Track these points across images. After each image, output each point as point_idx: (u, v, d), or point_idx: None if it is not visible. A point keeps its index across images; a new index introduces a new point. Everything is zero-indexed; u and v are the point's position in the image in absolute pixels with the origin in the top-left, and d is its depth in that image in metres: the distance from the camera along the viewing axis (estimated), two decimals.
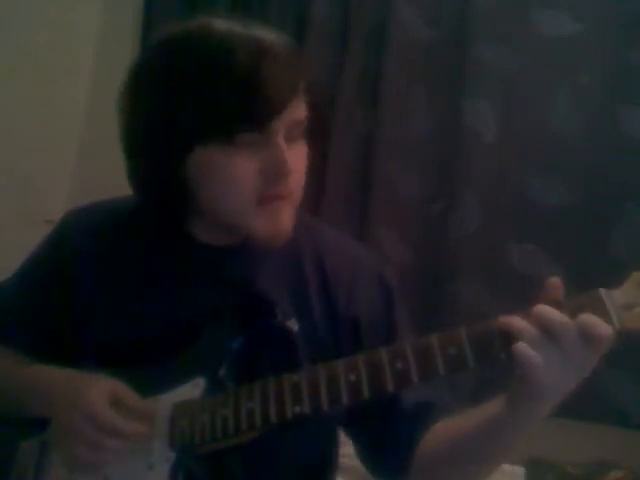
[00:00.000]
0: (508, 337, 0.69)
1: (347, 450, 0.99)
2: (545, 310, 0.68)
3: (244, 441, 0.82)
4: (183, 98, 0.81)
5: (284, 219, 0.86)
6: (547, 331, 0.68)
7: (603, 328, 0.67)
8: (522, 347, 0.67)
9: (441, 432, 0.84)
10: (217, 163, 0.83)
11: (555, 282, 0.71)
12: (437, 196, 1.81)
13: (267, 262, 0.93)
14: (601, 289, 0.70)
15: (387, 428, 0.88)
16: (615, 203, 1.65)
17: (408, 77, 1.83)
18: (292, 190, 0.86)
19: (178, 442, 0.83)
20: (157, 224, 0.96)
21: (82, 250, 0.96)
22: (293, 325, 0.88)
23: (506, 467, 1.62)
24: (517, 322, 0.69)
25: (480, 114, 1.75)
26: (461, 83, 1.77)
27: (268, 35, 0.83)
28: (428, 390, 0.89)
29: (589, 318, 0.67)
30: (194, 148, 0.82)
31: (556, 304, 0.69)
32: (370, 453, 0.93)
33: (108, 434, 0.81)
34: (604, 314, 0.69)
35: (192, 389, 0.85)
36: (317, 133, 0.91)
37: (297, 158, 0.86)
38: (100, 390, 0.83)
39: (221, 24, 0.82)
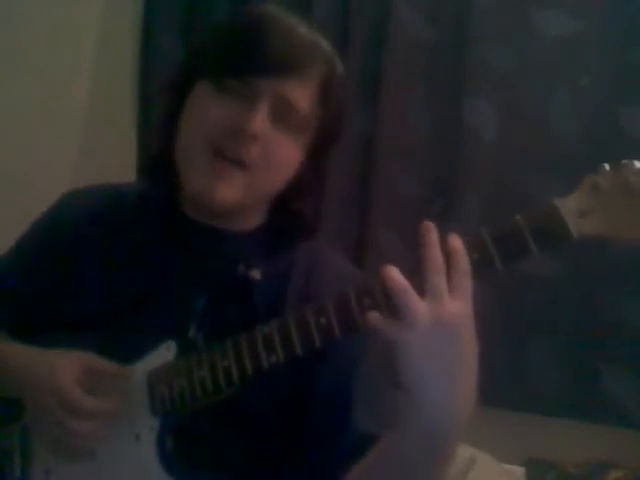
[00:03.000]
0: None
1: None
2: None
3: (225, 396, 0.81)
4: (203, 41, 0.94)
5: (226, 184, 0.85)
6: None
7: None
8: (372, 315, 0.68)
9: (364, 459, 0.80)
10: (200, 101, 0.88)
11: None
12: (437, 196, 1.81)
13: (256, 253, 0.93)
14: (555, 198, 0.69)
15: (325, 455, 0.85)
16: None
17: (408, 77, 1.83)
18: (251, 162, 0.85)
19: (159, 408, 0.83)
20: (155, 202, 0.98)
21: (77, 226, 0.98)
22: (256, 275, 0.88)
23: (506, 467, 1.62)
24: None
25: (480, 114, 1.75)
26: (461, 83, 1.77)
27: (301, 25, 0.90)
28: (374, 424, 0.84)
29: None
30: (195, 83, 0.89)
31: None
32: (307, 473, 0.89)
33: (78, 416, 0.81)
34: (561, 223, 0.68)
35: (165, 353, 0.85)
36: (323, 140, 0.92)
37: (277, 140, 0.86)
38: (67, 367, 0.84)
39: (270, 7, 0.92)
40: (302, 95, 0.86)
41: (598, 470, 1.62)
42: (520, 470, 1.65)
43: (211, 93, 0.86)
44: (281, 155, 0.88)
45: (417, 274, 0.69)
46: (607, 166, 0.70)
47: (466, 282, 0.68)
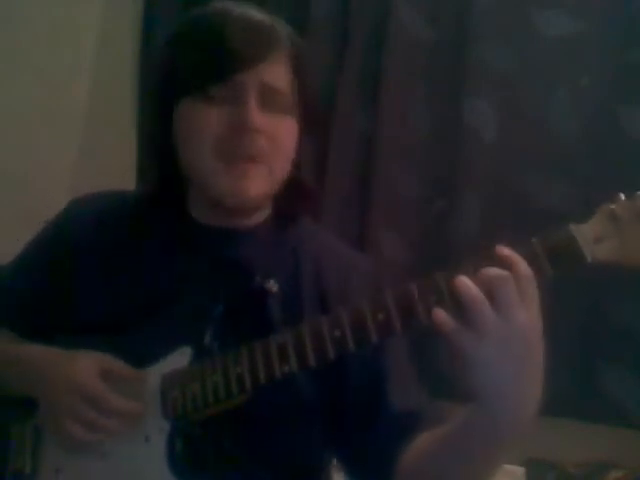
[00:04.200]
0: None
1: None
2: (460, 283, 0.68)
3: (237, 403, 0.82)
4: (174, 59, 0.93)
5: (250, 180, 0.88)
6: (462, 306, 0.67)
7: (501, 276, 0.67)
8: (439, 312, 0.68)
9: (423, 442, 0.83)
10: (191, 114, 0.89)
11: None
12: (437, 196, 1.81)
13: (263, 248, 0.95)
14: (571, 224, 0.71)
15: (372, 433, 0.88)
16: None
17: (408, 77, 1.83)
18: (263, 153, 0.88)
19: (171, 411, 0.84)
20: (161, 207, 0.99)
21: (81, 234, 0.99)
22: (272, 286, 0.90)
23: (506, 467, 1.62)
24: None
25: (480, 114, 1.74)
26: (461, 83, 1.77)
27: (252, 10, 0.91)
28: (415, 399, 0.89)
29: (489, 272, 0.67)
30: (179, 101, 0.90)
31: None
32: (352, 458, 0.93)
33: (102, 411, 0.83)
34: (576, 249, 0.70)
35: (179, 358, 0.86)
36: (308, 116, 0.95)
37: (274, 125, 0.89)
38: (88, 365, 0.85)
39: (216, 3, 0.93)
40: (279, 76, 0.90)
41: (598, 470, 1.61)
42: (520, 470, 1.65)
43: (198, 106, 0.88)
44: (284, 136, 0.91)
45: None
46: (623, 195, 0.72)
47: (532, 288, 0.68)
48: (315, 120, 0.98)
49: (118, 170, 1.97)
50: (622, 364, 1.61)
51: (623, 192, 0.73)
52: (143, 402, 0.85)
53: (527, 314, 0.67)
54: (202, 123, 0.88)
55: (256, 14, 0.91)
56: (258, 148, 0.87)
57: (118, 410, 0.84)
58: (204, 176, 0.90)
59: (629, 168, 1.64)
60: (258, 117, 0.86)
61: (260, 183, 0.89)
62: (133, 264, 0.95)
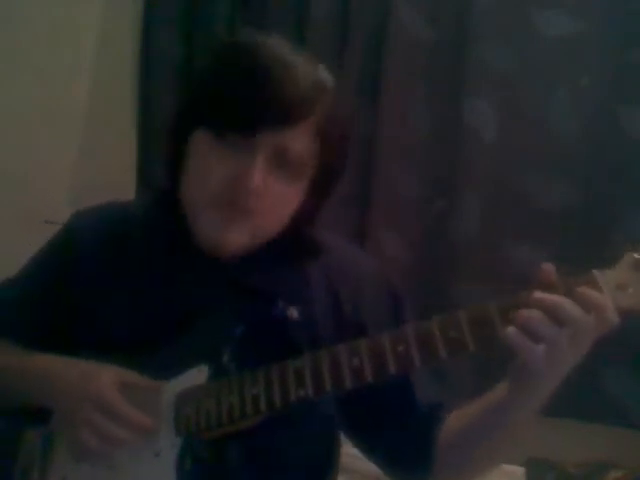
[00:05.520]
0: (507, 319, 0.72)
1: (349, 450, 1.00)
2: (540, 294, 0.71)
3: (250, 425, 0.82)
4: (203, 87, 0.90)
5: (232, 232, 0.86)
6: (547, 314, 0.70)
7: (599, 298, 0.70)
8: (512, 332, 0.71)
9: (450, 423, 0.88)
10: (202, 150, 0.87)
11: (548, 267, 0.73)
12: (437, 196, 1.81)
13: (269, 264, 0.94)
14: (594, 270, 0.72)
15: (406, 434, 0.90)
16: (615, 203, 1.65)
17: (408, 77, 1.83)
18: (254, 211, 0.85)
19: (183, 428, 0.84)
20: (168, 220, 0.97)
21: (88, 250, 0.97)
22: (293, 313, 0.90)
23: (506, 467, 1.62)
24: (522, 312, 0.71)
25: (480, 114, 1.75)
26: (461, 83, 1.77)
27: (302, 61, 0.86)
28: (434, 391, 0.92)
29: (584, 290, 0.70)
30: (194, 130, 0.88)
31: (549, 287, 0.72)
32: (392, 461, 0.94)
33: (118, 423, 0.82)
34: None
35: (196, 376, 0.86)
36: (325, 177, 0.91)
37: (277, 188, 0.86)
38: (108, 376, 0.85)
39: (260, 39, 0.88)
40: (300, 142, 0.85)
41: (598, 470, 1.61)
42: (520, 470, 1.65)
43: (210, 143, 0.85)
44: (281, 201, 0.88)
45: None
46: None
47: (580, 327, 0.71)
48: (333, 177, 0.94)
49: (118, 170, 1.97)
50: (621, 364, 1.62)
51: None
52: (157, 417, 0.85)
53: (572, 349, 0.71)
54: (209, 163, 0.86)
55: (305, 71, 0.85)
56: (251, 205, 0.85)
57: (133, 422, 0.83)
58: (194, 212, 0.89)
59: (629, 168, 1.64)
60: (261, 179, 0.83)
61: (243, 235, 0.87)
62: (150, 281, 0.94)
